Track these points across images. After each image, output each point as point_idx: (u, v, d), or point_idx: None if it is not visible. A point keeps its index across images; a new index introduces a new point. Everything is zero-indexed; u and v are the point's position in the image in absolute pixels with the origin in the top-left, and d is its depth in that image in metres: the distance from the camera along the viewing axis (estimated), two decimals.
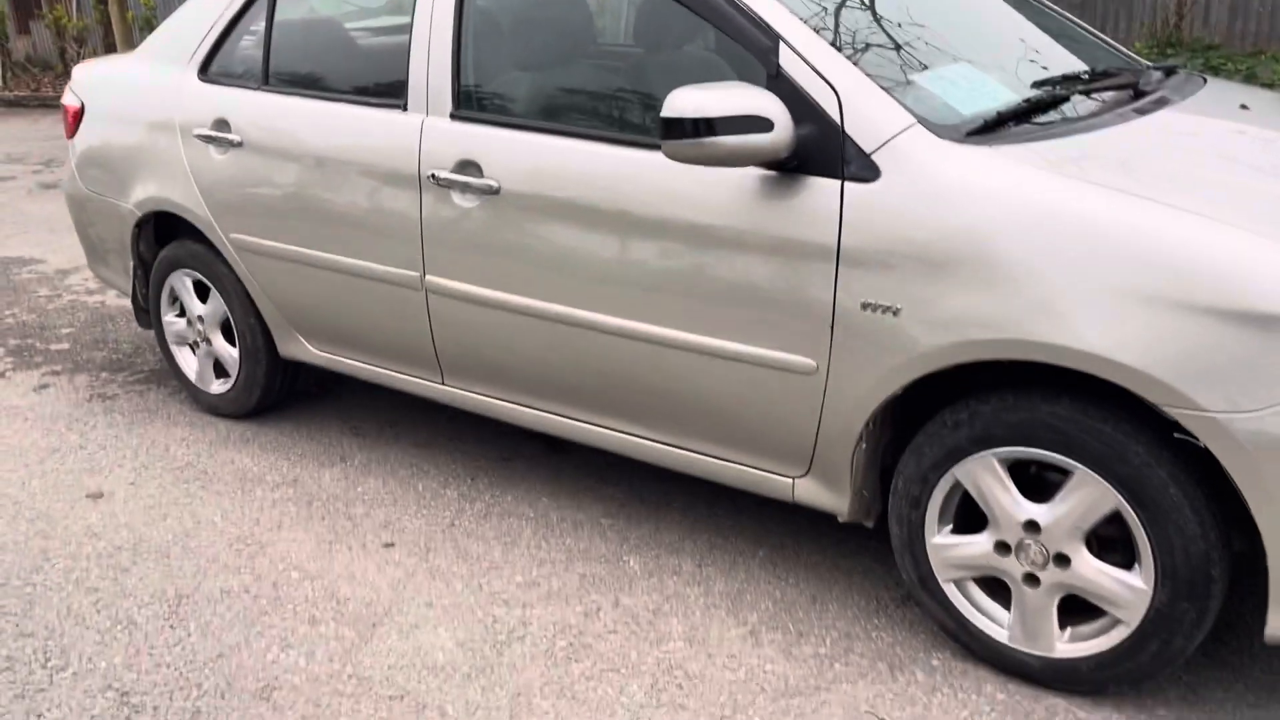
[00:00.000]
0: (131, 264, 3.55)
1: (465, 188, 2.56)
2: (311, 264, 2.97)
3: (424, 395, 2.95)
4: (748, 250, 2.15)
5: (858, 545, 2.63)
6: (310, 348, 3.18)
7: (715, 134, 2.00)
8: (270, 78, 3.07)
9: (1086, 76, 2.49)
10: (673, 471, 2.86)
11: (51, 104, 11.60)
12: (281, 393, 3.46)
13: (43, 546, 2.75)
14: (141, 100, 3.35)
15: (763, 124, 2.00)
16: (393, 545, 2.69)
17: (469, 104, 2.61)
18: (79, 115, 3.59)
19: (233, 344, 3.39)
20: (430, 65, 2.65)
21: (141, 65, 3.44)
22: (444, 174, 2.58)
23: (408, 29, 2.72)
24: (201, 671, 2.24)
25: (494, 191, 2.51)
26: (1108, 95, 2.41)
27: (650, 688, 2.13)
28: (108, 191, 3.49)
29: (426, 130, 2.64)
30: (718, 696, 2.10)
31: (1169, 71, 2.79)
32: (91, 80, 3.61)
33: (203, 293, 3.43)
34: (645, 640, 2.28)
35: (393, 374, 2.99)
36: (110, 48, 11.89)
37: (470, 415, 3.40)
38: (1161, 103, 2.39)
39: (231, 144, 3.08)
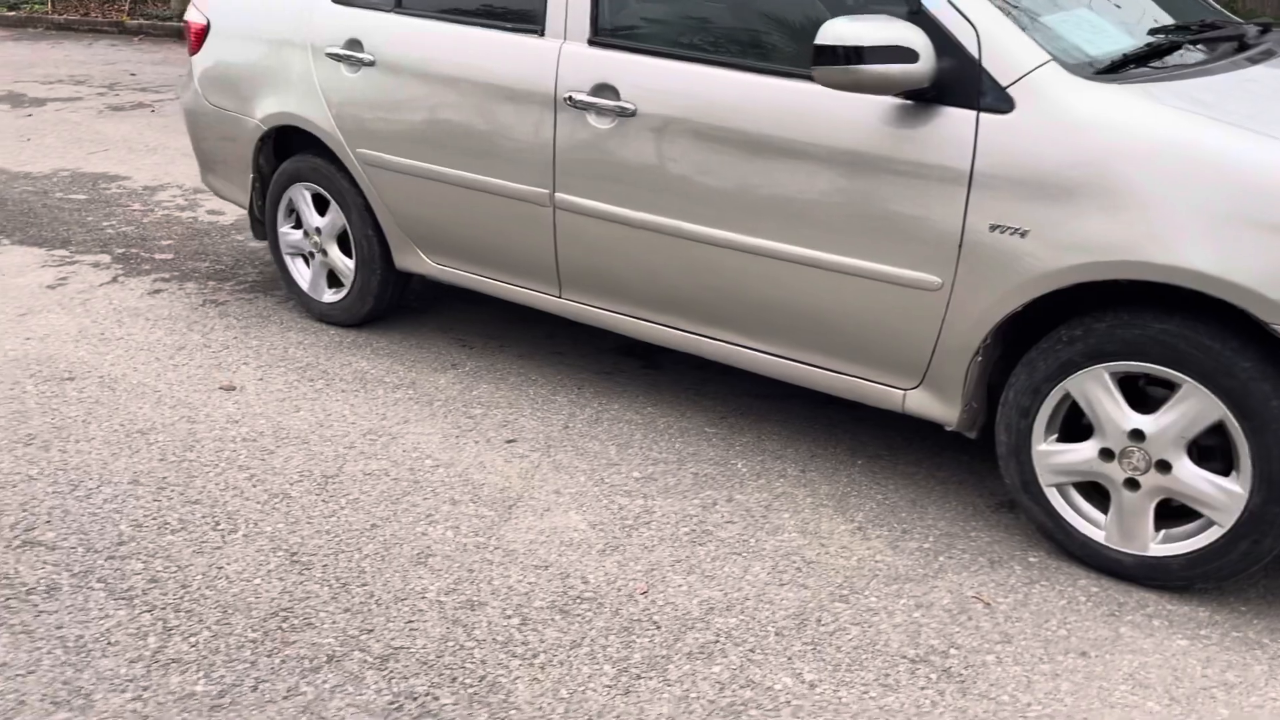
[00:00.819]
0: (251, 177, 3.74)
1: (601, 110, 2.74)
2: (438, 179, 3.16)
3: (538, 307, 3.15)
4: (882, 173, 2.33)
5: (951, 458, 2.83)
6: (427, 260, 3.38)
7: (863, 62, 2.18)
8: (404, 1, 3.23)
9: (1196, 28, 2.64)
10: (771, 386, 3.08)
11: (103, 29, 11.73)
12: (391, 304, 3.66)
13: (189, 429, 2.97)
14: (272, 20, 3.53)
15: (908, 54, 2.17)
16: (515, 441, 2.91)
17: (607, 30, 2.78)
18: (203, 33, 3.76)
19: (348, 255, 3.59)
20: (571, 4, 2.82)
21: None
22: (581, 96, 2.76)
23: None
24: (359, 539, 2.47)
25: (630, 114, 2.68)
26: (1217, 46, 2.56)
27: (772, 569, 2.35)
28: (232, 106, 3.67)
29: (564, 55, 2.81)
30: (834, 579, 2.32)
31: (1265, 28, 2.93)
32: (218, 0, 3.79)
33: (320, 205, 3.63)
34: (761, 530, 2.50)
35: (509, 286, 3.19)
36: None
37: (569, 332, 3.60)
38: (1268, 54, 2.54)
39: (363, 63, 3.25)
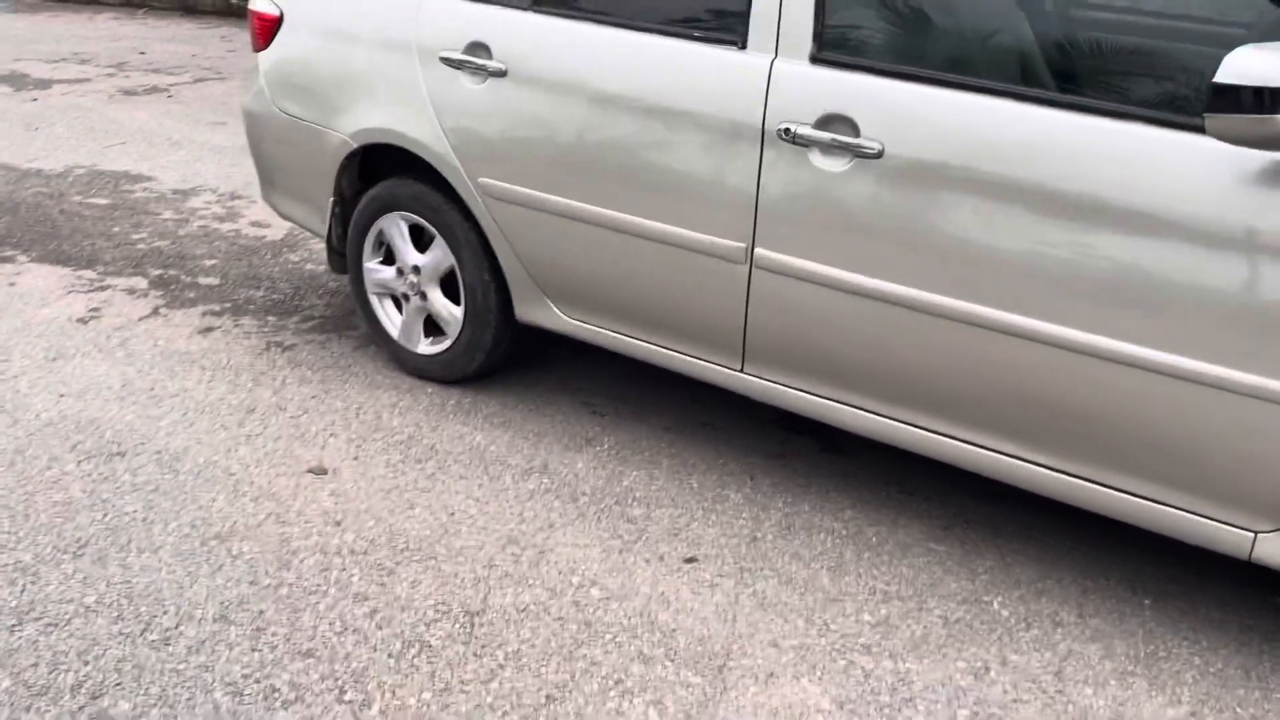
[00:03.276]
0: (331, 201, 3.11)
1: (831, 148, 2.13)
2: (586, 221, 2.54)
3: (707, 380, 2.54)
4: (1257, 253, 1.75)
5: (1257, 597, 2.25)
6: (559, 313, 2.77)
7: None
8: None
9: None
10: (990, 482, 2.48)
11: (104, 1, 10.95)
12: (502, 359, 3.05)
13: (281, 535, 2.37)
14: (366, 12, 2.89)
15: None
16: (695, 561, 2.32)
17: (839, 45, 2.17)
18: (275, 25, 3.12)
19: (455, 301, 2.97)
20: (785, 7, 2.20)
21: None
22: (803, 130, 2.15)
23: None
24: (535, 718, 1.88)
25: (873, 155, 2.08)
26: None
27: None
28: (311, 116, 3.04)
29: (777, 75, 2.20)
30: None
31: None
32: None
33: (418, 238, 3.01)
34: (1065, 716, 1.92)
35: (670, 353, 2.58)
36: None
37: (714, 394, 3.01)
38: None
39: (491, 73, 2.62)
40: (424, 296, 3.00)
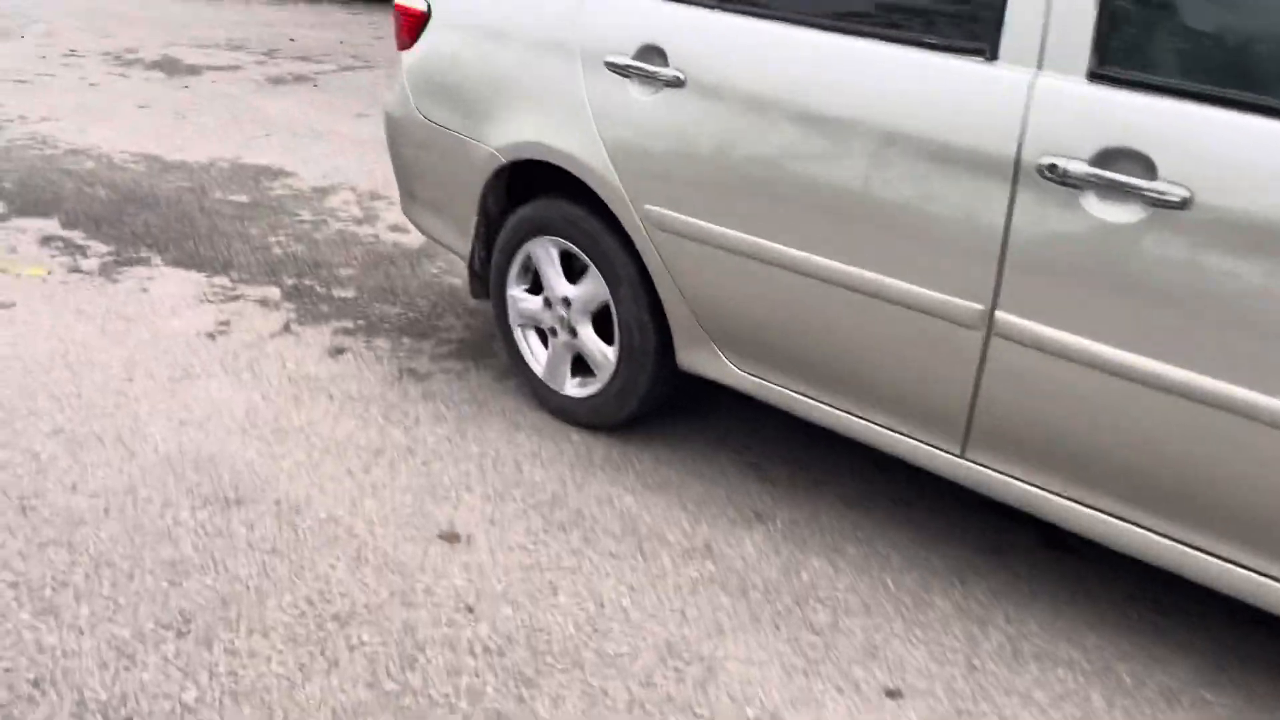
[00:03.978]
0: (475, 220, 2.79)
1: (1114, 191, 1.65)
2: (773, 262, 2.12)
3: (915, 462, 2.10)
4: None
5: None
6: (730, 365, 2.36)
7: None
8: None
9: None
10: (1235, 602, 1.95)
11: None
12: (656, 406, 2.67)
13: (407, 620, 2.04)
14: (521, 9, 2.53)
15: None
16: (900, 695, 1.88)
17: (1130, 58, 1.68)
18: (421, 21, 2.80)
19: (608, 340, 2.61)
20: (1054, 6, 1.72)
21: None
22: (1075, 165, 1.68)
23: None
24: None
25: (1177, 204, 1.59)
26: None
27: None
28: (456, 125, 2.71)
29: (1039, 95, 1.72)
30: None
31: None
32: None
33: (570, 266, 2.65)
34: None
35: (868, 425, 2.14)
36: None
37: (908, 466, 2.55)
38: None
39: (666, 82, 2.23)
40: (573, 332, 2.64)
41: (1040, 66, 1.73)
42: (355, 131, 5.49)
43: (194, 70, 6.79)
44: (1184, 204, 1.58)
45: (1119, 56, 1.67)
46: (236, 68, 6.99)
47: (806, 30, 2.03)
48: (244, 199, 4.44)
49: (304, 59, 7.26)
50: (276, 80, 6.68)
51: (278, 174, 4.80)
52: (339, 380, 2.95)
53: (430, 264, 3.82)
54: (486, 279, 2.88)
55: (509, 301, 2.79)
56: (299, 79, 6.65)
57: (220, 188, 4.57)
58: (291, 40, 7.94)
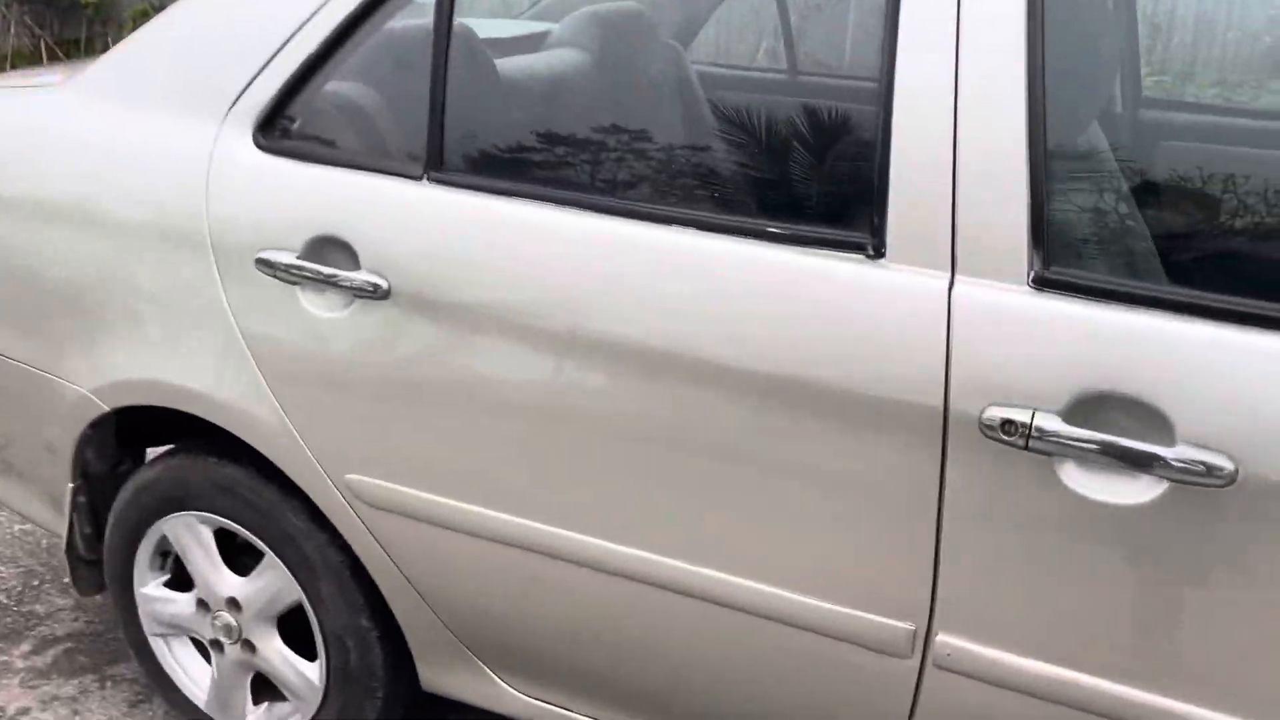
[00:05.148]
0: (71, 487, 1.81)
1: (1106, 457, 1.09)
2: (563, 558, 1.39)
3: None
4: None
5: None
6: (505, 686, 1.59)
7: None
8: (450, 155, 1.44)
9: None
10: None
11: None
12: None
13: None
14: (117, 179, 1.62)
15: None
16: None
17: (1087, 258, 1.12)
18: None
19: (306, 654, 1.73)
20: (962, 165, 1.16)
21: (106, 110, 1.65)
22: (1045, 420, 1.10)
23: (878, 78, 1.18)
24: None
25: (1224, 479, 1.05)
26: None
27: None
28: (26, 355, 1.74)
29: (960, 315, 1.15)
30: None
31: None
32: None
33: (229, 548, 1.75)
34: None
35: None
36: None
37: None
38: None
39: (359, 291, 1.44)
40: (250, 646, 1.75)
41: (953, 274, 1.13)
42: None
43: None
44: (1231, 479, 1.04)
45: (1070, 259, 1.12)
46: None
47: (592, 216, 1.32)
48: None
49: None
50: None
51: None
52: None
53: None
54: (100, 563, 1.90)
55: (141, 603, 1.83)
56: None
57: None
58: None
